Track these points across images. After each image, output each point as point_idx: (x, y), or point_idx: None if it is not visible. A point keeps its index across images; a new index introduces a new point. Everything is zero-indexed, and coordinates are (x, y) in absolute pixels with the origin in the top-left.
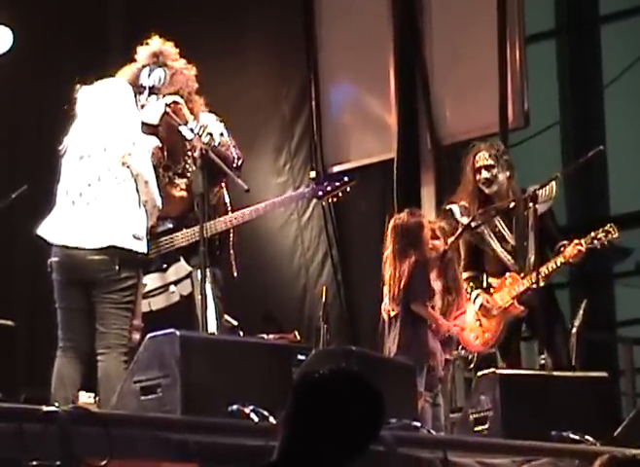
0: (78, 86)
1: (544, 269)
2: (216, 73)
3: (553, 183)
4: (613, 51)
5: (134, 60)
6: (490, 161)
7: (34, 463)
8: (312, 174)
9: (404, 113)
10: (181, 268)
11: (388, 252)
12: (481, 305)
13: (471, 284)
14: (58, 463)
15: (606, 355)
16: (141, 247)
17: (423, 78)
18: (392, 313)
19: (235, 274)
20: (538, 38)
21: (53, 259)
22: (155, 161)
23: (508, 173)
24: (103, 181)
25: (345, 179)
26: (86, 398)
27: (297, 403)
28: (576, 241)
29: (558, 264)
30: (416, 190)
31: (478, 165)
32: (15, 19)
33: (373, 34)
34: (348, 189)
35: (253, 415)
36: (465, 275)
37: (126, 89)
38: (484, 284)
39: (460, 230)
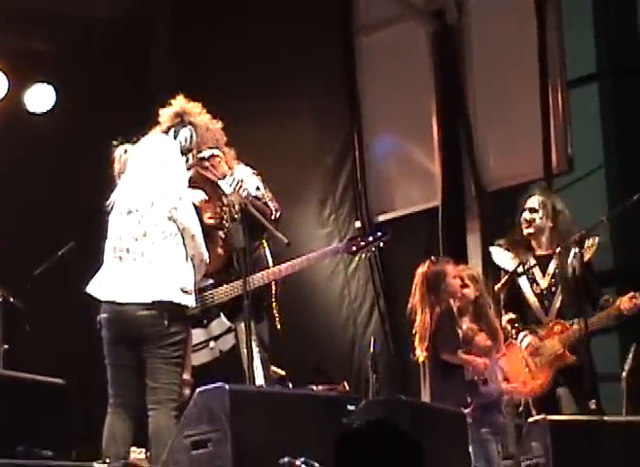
0: (117, 143)
1: (594, 320)
2: (260, 129)
3: (596, 240)
4: None
5: (158, 123)
6: (535, 205)
7: None
8: (357, 224)
9: (447, 161)
10: (221, 323)
11: (414, 301)
12: (529, 345)
13: (516, 325)
14: None
15: None
16: (189, 301)
17: (466, 125)
18: (421, 361)
19: (279, 327)
20: (580, 82)
21: (102, 315)
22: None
23: (551, 224)
24: (150, 236)
25: (379, 234)
26: (137, 454)
27: (337, 456)
28: (630, 295)
29: (611, 316)
30: (462, 237)
31: (524, 207)
32: (57, 77)
33: (414, 84)
34: (382, 244)
35: None
36: (507, 318)
37: (172, 145)
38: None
39: (507, 276)
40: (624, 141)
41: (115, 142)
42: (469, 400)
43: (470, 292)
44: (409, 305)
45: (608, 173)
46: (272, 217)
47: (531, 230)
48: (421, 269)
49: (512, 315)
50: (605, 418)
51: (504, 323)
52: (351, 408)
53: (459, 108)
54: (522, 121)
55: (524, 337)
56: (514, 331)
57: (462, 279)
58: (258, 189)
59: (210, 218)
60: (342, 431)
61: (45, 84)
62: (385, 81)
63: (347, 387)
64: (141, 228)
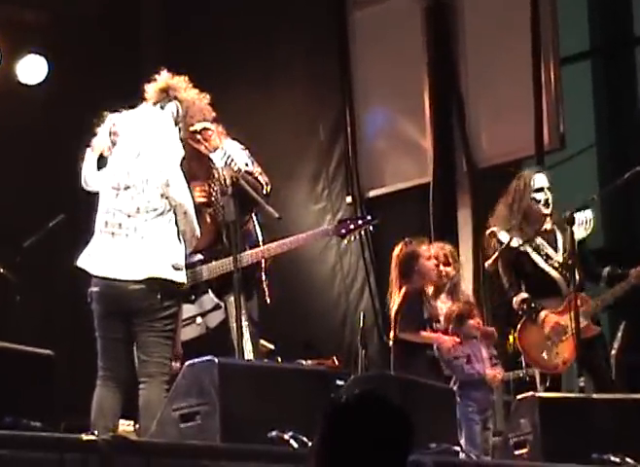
0: (106, 113)
1: (607, 295)
2: (253, 103)
3: (590, 214)
4: None
5: (145, 99)
6: (547, 184)
7: None
8: (348, 199)
9: (439, 137)
10: (208, 300)
11: (391, 284)
12: (556, 323)
13: (532, 305)
14: None
15: None
16: (180, 277)
17: (458, 101)
18: (391, 342)
19: (268, 301)
20: (572, 60)
21: (94, 289)
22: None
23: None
24: (143, 212)
25: (368, 218)
26: (125, 426)
27: (324, 429)
28: None
29: (623, 289)
30: (453, 213)
31: (531, 187)
32: (49, 48)
33: (407, 59)
34: (371, 228)
35: (292, 442)
36: (519, 298)
37: (166, 118)
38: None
39: (496, 253)
40: (616, 119)
41: (105, 113)
42: (454, 377)
43: (451, 270)
44: (389, 289)
45: (599, 151)
46: (264, 191)
47: (548, 210)
48: (395, 252)
49: (524, 295)
50: (594, 395)
51: (516, 304)
52: (340, 383)
53: (451, 84)
54: (514, 98)
55: (546, 316)
56: (531, 311)
57: (446, 257)
58: (246, 165)
59: (199, 196)
60: (330, 403)
61: (36, 55)
62: (378, 55)
63: (336, 362)
64: (134, 204)
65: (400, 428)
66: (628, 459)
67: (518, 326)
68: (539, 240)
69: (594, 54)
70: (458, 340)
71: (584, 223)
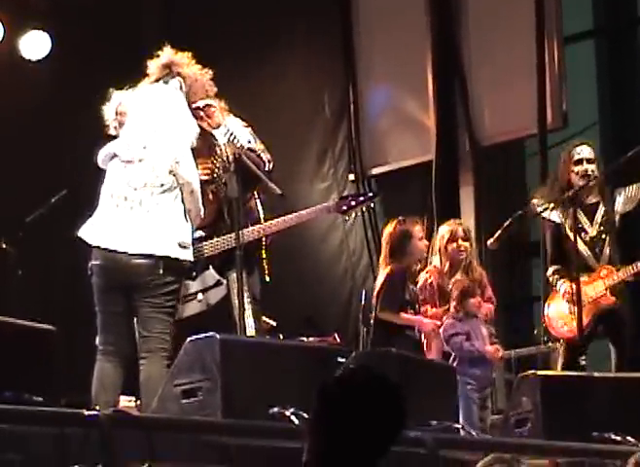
0: (112, 90)
1: (633, 266)
2: (258, 83)
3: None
4: None
5: (147, 75)
6: (592, 156)
7: None
8: (351, 177)
9: (442, 115)
10: (209, 276)
11: (380, 261)
12: (566, 292)
13: (556, 276)
14: None
15: None
16: (187, 255)
17: (461, 80)
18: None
19: (268, 279)
20: (576, 38)
21: (95, 262)
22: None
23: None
24: (149, 187)
25: (369, 194)
26: (126, 402)
27: (319, 404)
28: None
29: None
30: (455, 191)
31: (573, 159)
32: (52, 24)
33: (410, 37)
34: (372, 204)
35: (293, 418)
36: (552, 269)
37: (178, 95)
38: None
39: (500, 230)
40: (619, 98)
41: (111, 90)
42: (452, 355)
43: (468, 246)
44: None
45: (602, 130)
46: (266, 168)
47: (586, 181)
48: (388, 230)
49: (556, 266)
50: (595, 374)
51: (549, 275)
52: (341, 360)
53: (455, 62)
54: (517, 76)
55: (562, 284)
56: (554, 280)
57: (464, 232)
58: (249, 141)
59: (202, 173)
60: (325, 381)
61: (40, 31)
62: (381, 35)
63: (338, 339)
64: (142, 178)
65: (392, 403)
66: (629, 438)
67: (548, 297)
68: (578, 213)
69: (598, 34)
70: (439, 322)
71: (630, 197)
